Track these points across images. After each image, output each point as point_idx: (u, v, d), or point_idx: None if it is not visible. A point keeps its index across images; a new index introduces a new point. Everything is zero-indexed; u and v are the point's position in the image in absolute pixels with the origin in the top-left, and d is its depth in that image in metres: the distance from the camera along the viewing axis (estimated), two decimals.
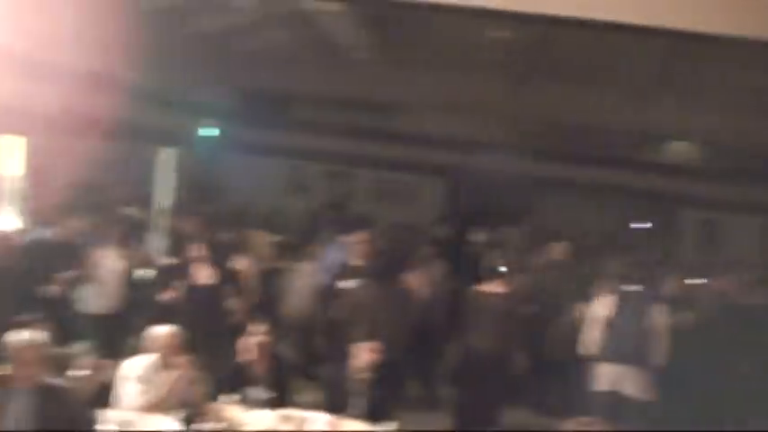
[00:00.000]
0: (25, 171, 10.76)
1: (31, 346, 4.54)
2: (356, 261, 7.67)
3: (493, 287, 7.25)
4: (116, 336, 7.76)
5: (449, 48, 11.45)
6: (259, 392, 5.77)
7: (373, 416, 5.57)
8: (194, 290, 7.89)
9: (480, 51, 11.42)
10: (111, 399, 5.47)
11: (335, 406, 5.73)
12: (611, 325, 7.06)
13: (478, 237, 10.75)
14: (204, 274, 7.94)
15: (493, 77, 12.64)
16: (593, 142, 13.91)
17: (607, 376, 7.01)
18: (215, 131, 15.88)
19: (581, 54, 10.19)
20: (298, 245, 10.25)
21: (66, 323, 7.47)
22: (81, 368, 5.51)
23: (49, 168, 10.73)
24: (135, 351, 5.85)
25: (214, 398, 5.50)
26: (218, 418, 5.21)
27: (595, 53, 9.89)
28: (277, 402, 5.64)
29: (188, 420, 5.17)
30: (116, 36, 10.61)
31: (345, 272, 7.60)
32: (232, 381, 5.74)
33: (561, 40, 9.59)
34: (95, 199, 10.69)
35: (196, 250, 8.05)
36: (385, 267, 7.46)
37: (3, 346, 4.58)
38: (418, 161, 15.26)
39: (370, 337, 6.12)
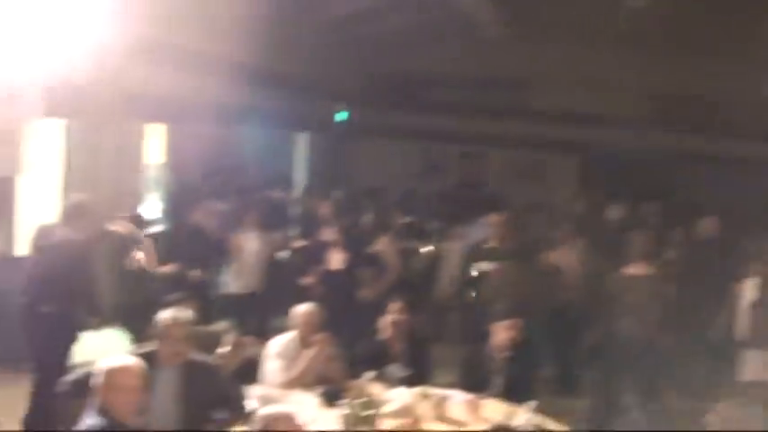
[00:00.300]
0: (166, 158, 11.16)
1: (178, 323, 4.67)
2: (496, 241, 7.58)
3: (637, 269, 6.96)
4: (259, 315, 7.98)
5: (583, 21, 11.13)
6: (397, 370, 5.78)
7: (512, 395, 5.47)
8: (329, 274, 8.02)
9: (616, 24, 11.05)
10: (256, 375, 5.61)
11: (474, 385, 5.65)
12: (760, 308, 6.67)
13: (617, 213, 10.37)
14: (338, 258, 8.05)
15: (629, 50, 12.23)
16: (731, 115, 13.25)
17: (756, 363, 6.64)
18: (348, 115, 16.05)
19: (718, 24, 9.72)
20: (433, 227, 10.23)
21: (210, 304, 7.76)
22: (225, 345, 5.66)
23: (189, 155, 11.10)
24: (281, 330, 5.93)
25: (354, 375, 5.53)
26: (358, 395, 5.22)
27: (732, 23, 9.41)
28: (415, 380, 5.63)
29: (328, 397, 5.22)
30: (252, 22, 10.89)
31: (485, 253, 7.54)
32: (371, 358, 5.77)
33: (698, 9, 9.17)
34: (235, 184, 10.95)
35: (330, 234, 8.14)
36: (525, 247, 7.33)
37: (152, 324, 4.74)
38: (554, 138, 14.89)
39: (510, 316, 6.01)
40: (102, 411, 3.85)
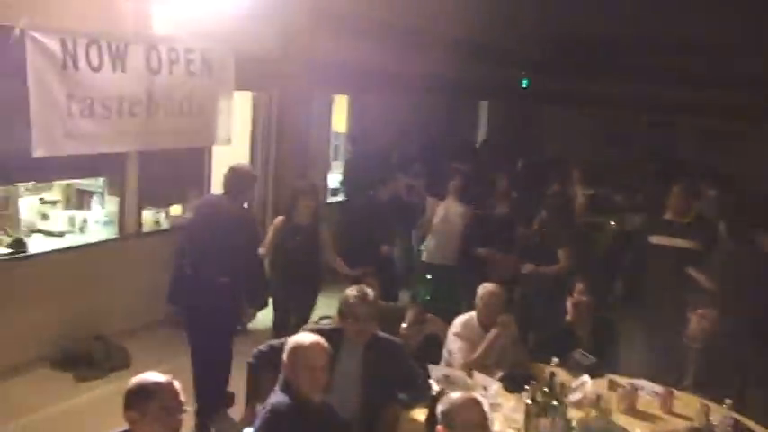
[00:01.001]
0: (351, 128, 11.34)
1: (365, 301, 4.68)
2: (672, 214, 7.09)
3: None
4: (453, 288, 7.95)
5: None
6: (583, 356, 5.58)
7: (707, 390, 5.16)
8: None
9: None
10: (439, 353, 5.60)
11: (667, 376, 5.38)
12: None
13: None
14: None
15: None
16: None
17: None
18: (529, 82, 15.74)
19: None
20: (618, 200, 9.83)
21: (396, 277, 7.80)
22: (409, 322, 5.68)
23: (373, 125, 11.23)
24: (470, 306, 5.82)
25: (539, 359, 5.41)
26: (541, 380, 5.08)
27: None
28: (602, 368, 5.43)
29: (509, 382, 5.11)
30: None
31: (662, 225, 7.08)
32: (555, 342, 5.61)
33: None
34: (423, 154, 10.96)
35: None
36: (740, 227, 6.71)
37: (339, 301, 4.80)
38: (750, 105, 13.92)
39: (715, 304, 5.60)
40: (288, 388, 3.92)
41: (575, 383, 5.08)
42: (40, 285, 6.76)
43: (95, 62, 6.58)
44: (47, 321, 6.82)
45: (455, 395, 3.64)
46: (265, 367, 4.68)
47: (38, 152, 6.22)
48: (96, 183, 7.89)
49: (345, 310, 4.71)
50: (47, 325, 6.83)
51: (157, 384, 3.19)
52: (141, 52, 7.00)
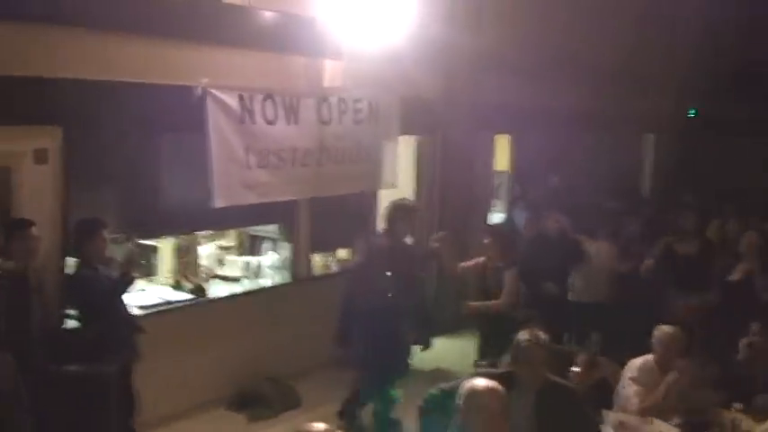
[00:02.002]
0: (511, 166, 11.34)
1: (538, 346, 4.64)
2: None
3: None
4: (605, 327, 7.82)
5: None
6: (767, 400, 5.30)
7: None
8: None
9: None
10: (610, 397, 5.47)
11: None
12: None
13: None
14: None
15: None
16: None
17: None
18: (697, 112, 15.22)
19: None
20: None
21: (560, 317, 7.71)
22: (579, 365, 5.58)
23: (533, 163, 11.18)
24: (641, 346, 5.71)
25: (723, 404, 5.18)
26: (725, 427, 4.87)
27: None
28: None
29: (690, 428, 4.93)
30: (594, 25, 10.72)
31: None
32: (738, 386, 5.36)
33: None
34: (579, 194, 10.84)
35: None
36: None
37: (512, 345, 4.77)
38: None
39: None
40: None
41: (760, 429, 4.84)
42: (218, 329, 7.11)
43: (271, 116, 6.94)
44: (223, 363, 7.16)
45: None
46: (436, 410, 4.72)
47: (218, 203, 6.58)
48: (268, 228, 8.23)
49: (518, 354, 4.67)
50: (223, 367, 7.16)
51: None
52: (313, 105, 7.32)
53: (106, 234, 5.79)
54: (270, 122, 6.95)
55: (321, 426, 3.36)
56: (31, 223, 5.38)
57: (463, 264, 7.15)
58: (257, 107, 6.80)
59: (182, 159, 6.74)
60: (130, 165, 6.45)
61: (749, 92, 14.55)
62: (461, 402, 3.95)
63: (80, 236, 5.76)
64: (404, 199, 7.19)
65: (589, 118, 11.46)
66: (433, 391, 4.93)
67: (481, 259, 7.04)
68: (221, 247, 8.08)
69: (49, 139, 5.82)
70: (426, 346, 8.62)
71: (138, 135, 6.42)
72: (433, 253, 7.30)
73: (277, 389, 7.23)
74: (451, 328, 9.44)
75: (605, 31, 11.19)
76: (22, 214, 5.65)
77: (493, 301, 6.75)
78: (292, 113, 7.12)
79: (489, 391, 3.93)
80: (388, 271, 6.53)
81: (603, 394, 5.54)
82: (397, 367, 6.83)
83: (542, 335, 4.75)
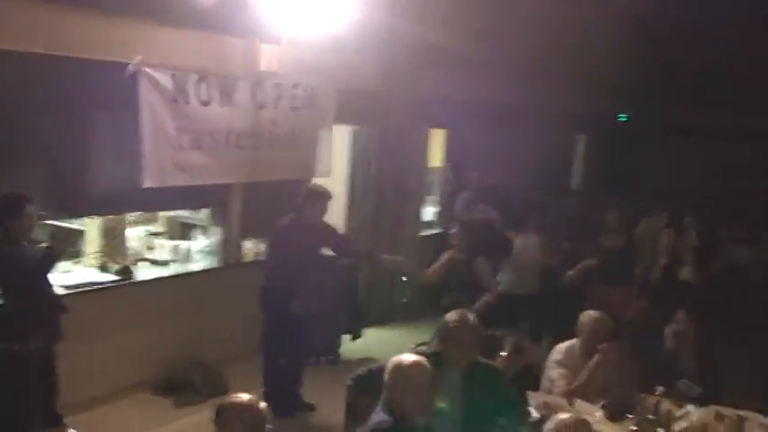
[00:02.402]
0: (444, 162, 11.41)
1: (466, 326, 4.68)
2: None
3: None
4: (534, 319, 7.94)
5: None
6: (688, 386, 5.45)
7: None
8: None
9: None
10: (536, 382, 5.55)
11: None
12: None
13: None
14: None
15: None
16: None
17: None
18: (628, 118, 15.57)
19: None
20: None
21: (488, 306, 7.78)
22: (507, 349, 5.64)
23: (466, 158, 11.27)
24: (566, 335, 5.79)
25: (646, 388, 5.29)
26: (647, 410, 4.98)
27: None
28: (707, 398, 5.28)
29: (613, 410, 5.03)
30: (535, 23, 10.86)
31: None
32: (661, 371, 5.49)
33: None
34: (510, 188, 10.99)
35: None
36: None
37: (440, 325, 4.81)
38: None
39: None
40: (390, 408, 3.93)
41: (679, 413, 4.96)
42: (145, 312, 7.00)
43: (205, 97, 6.87)
44: (150, 347, 7.04)
45: (564, 415, 3.62)
46: (364, 391, 4.72)
47: (147, 182, 6.49)
48: (198, 216, 8.17)
49: (446, 335, 4.71)
50: (149, 351, 7.04)
51: (243, 405, 3.27)
52: (248, 88, 7.26)
53: (32, 211, 5.62)
54: (204, 103, 6.88)
55: (245, 396, 3.33)
56: None
57: (432, 267, 7.24)
58: (191, 87, 6.72)
59: (112, 138, 6.60)
60: (58, 141, 6.27)
61: (680, 94, 14.92)
62: (387, 377, 3.96)
63: (4, 212, 5.57)
64: (317, 185, 7.20)
65: (524, 115, 11.60)
66: (361, 371, 4.94)
67: (446, 256, 7.15)
68: (151, 233, 7.95)
69: None
70: (357, 335, 8.68)
71: (68, 110, 6.26)
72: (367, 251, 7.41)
73: (204, 374, 7.14)
74: (384, 318, 9.49)
75: (544, 29, 11.34)
76: None
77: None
78: (227, 95, 7.06)
79: (414, 364, 3.96)
80: (298, 251, 6.59)
81: (530, 379, 5.60)
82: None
83: (471, 316, 4.80)
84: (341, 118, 8.50)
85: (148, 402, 6.85)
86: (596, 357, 5.36)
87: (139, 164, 6.42)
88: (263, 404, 3.32)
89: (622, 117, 15.57)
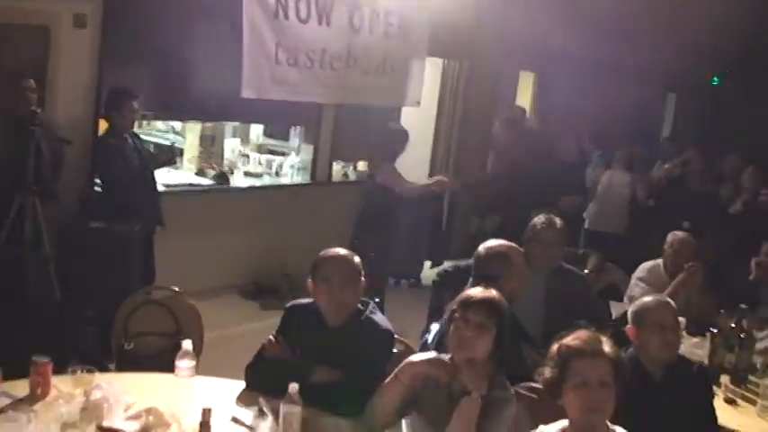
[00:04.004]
0: (531, 107, 11.39)
1: (552, 227, 4.77)
2: None
3: None
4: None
5: None
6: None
7: None
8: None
9: None
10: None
11: None
12: None
13: None
14: None
15: None
16: None
17: None
18: (721, 81, 15.22)
19: None
20: None
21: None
22: (591, 267, 5.72)
23: (555, 105, 11.23)
24: None
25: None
26: (727, 329, 4.98)
27: None
28: None
29: (694, 325, 5.05)
30: None
31: None
32: (744, 300, 5.47)
33: None
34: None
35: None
36: None
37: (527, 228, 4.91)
38: None
39: None
40: None
41: (761, 334, 4.96)
42: (237, 218, 7.26)
43: (303, 14, 7.03)
44: (239, 252, 7.33)
45: (647, 297, 3.70)
46: (449, 287, 4.84)
47: (246, 93, 6.70)
48: (287, 145, 8.48)
49: (532, 236, 4.80)
50: (239, 256, 7.33)
51: (340, 256, 3.43)
52: (345, 10, 7.39)
53: (135, 106, 5.89)
54: (303, 21, 7.04)
55: (341, 249, 3.49)
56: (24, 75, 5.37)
57: None
58: (291, 3, 6.89)
59: (216, 48, 6.83)
60: (166, 44, 6.52)
61: None
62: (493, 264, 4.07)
63: (110, 104, 5.86)
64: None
65: (615, 70, 11.46)
66: (448, 267, 5.08)
67: None
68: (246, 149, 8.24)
69: (90, 4, 5.91)
70: (439, 262, 8.82)
71: (178, 16, 6.51)
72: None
73: (290, 284, 7.38)
74: (466, 250, 9.57)
75: None
76: (58, 75, 5.79)
77: None
78: (325, 15, 7.20)
79: (510, 247, 4.08)
80: None
81: (613, 298, 5.66)
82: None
83: (558, 219, 4.88)
84: (433, 50, 8.58)
85: (236, 303, 7.15)
86: (680, 276, 5.37)
87: (239, 75, 6.64)
88: (357, 258, 3.47)
89: (715, 80, 15.23)
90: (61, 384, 3.09)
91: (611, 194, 8.30)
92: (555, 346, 2.73)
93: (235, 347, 3.57)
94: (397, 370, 3.09)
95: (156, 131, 8.00)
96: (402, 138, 7.22)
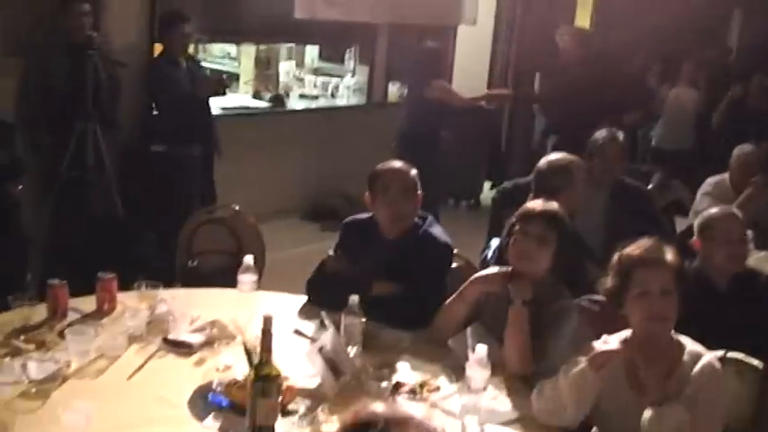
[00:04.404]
0: (591, 24, 11.04)
1: (615, 141, 4.68)
2: None
3: None
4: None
5: None
6: None
7: None
8: None
9: None
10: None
11: None
12: None
13: None
14: None
15: None
16: None
17: None
18: None
19: None
20: None
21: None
22: (654, 183, 5.61)
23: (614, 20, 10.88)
24: None
25: None
26: None
27: None
28: None
29: (759, 237, 4.93)
30: None
31: None
32: None
33: None
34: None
35: None
36: None
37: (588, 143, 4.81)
38: None
39: None
40: None
41: None
42: (295, 140, 7.27)
43: None
44: (297, 175, 7.37)
45: (714, 209, 3.62)
46: (508, 205, 4.79)
47: (299, 14, 6.67)
48: (341, 68, 8.38)
49: (594, 150, 4.71)
50: (297, 178, 7.37)
51: (397, 168, 3.41)
52: None
53: (187, 29, 5.85)
54: None
55: (398, 162, 3.46)
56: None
57: None
58: None
59: None
60: None
61: None
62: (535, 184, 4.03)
63: (162, 28, 5.86)
64: None
65: None
66: (507, 184, 5.01)
67: None
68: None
69: None
70: (497, 182, 8.74)
71: None
72: None
73: (348, 205, 7.39)
74: (524, 175, 9.45)
75: None
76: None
77: None
78: None
79: (572, 160, 4.02)
80: None
81: (677, 215, 5.57)
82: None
83: (621, 134, 4.78)
84: None
85: (296, 226, 7.21)
86: (747, 191, 5.23)
87: None
88: (414, 171, 3.44)
89: None
90: (127, 300, 3.15)
91: (677, 111, 8.07)
92: (616, 256, 2.69)
93: (296, 269, 3.60)
94: (461, 288, 3.08)
95: (212, 57, 7.98)
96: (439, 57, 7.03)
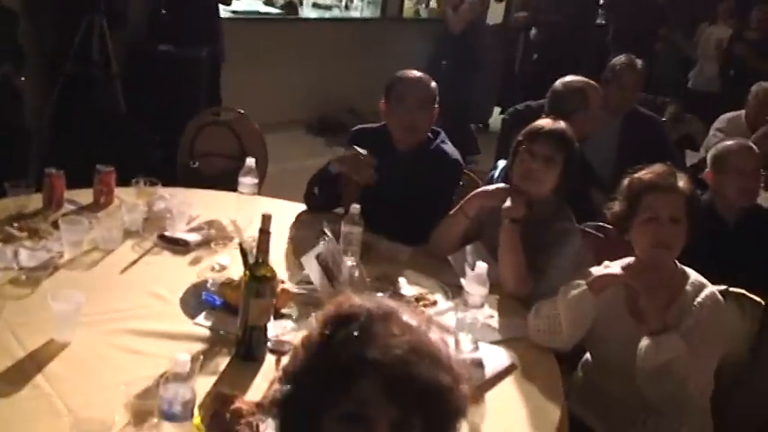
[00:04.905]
0: None
1: (633, 69, 4.58)
2: None
3: None
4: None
5: None
6: None
7: None
8: None
9: None
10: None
11: None
12: None
13: None
14: None
15: None
16: None
17: None
18: None
19: None
20: None
21: None
22: (667, 116, 5.50)
23: None
24: None
25: None
26: None
27: None
28: None
29: None
30: None
31: None
32: None
33: None
34: None
35: None
36: None
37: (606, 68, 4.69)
38: None
39: None
40: None
41: None
42: (305, 50, 7.12)
43: None
44: (306, 87, 7.23)
45: (729, 141, 3.52)
46: (518, 125, 4.70)
47: None
48: None
49: (611, 76, 4.60)
50: (305, 90, 7.24)
51: (415, 78, 3.31)
52: None
53: None
54: None
55: (416, 72, 3.36)
56: None
57: None
58: None
59: None
60: None
61: None
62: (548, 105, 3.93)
63: None
64: None
65: None
66: (519, 106, 4.91)
67: None
68: None
69: None
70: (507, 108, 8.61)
71: None
72: None
73: (356, 121, 7.28)
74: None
75: None
76: None
77: None
78: None
79: (588, 83, 3.91)
80: None
81: (688, 149, 5.47)
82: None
83: (639, 61, 4.65)
84: None
85: (301, 138, 7.14)
86: (763, 128, 5.13)
87: None
88: (434, 83, 3.34)
89: None
90: (124, 195, 3.10)
91: (710, 50, 7.82)
92: (627, 180, 2.61)
93: (297, 181, 3.52)
94: (462, 202, 3.02)
95: None
96: None
